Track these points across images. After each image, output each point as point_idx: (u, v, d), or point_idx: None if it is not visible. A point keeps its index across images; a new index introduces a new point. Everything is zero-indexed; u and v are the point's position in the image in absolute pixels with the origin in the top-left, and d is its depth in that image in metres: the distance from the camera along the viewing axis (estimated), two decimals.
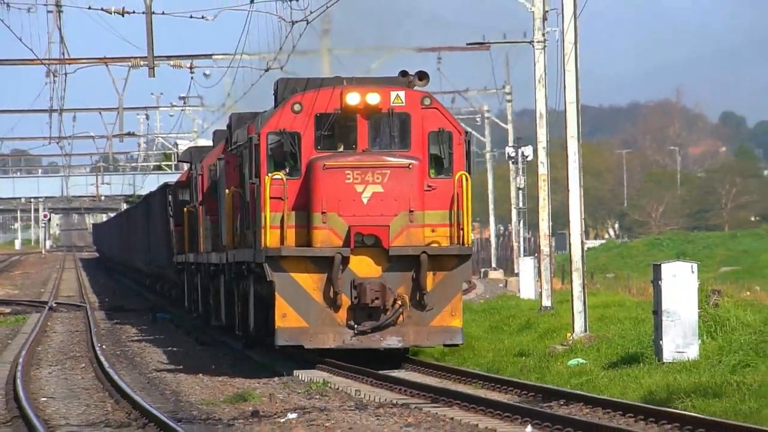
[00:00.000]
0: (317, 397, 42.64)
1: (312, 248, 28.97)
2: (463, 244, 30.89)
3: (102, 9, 61.07)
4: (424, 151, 31.72)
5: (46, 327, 72.55)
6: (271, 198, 29.91)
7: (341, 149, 30.37)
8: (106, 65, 79.11)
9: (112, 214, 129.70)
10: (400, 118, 30.89)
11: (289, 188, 29.51)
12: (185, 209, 66.00)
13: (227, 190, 46.38)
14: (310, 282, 29.02)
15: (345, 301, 29.07)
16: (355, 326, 29.38)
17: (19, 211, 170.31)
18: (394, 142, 30.50)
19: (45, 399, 42.58)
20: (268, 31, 64.07)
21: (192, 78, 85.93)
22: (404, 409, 37.57)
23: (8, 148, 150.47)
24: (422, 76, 30.82)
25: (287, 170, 30.77)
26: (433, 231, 30.26)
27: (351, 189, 29.67)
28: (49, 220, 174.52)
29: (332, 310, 29.19)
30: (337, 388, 42.68)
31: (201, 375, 52.06)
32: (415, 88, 31.04)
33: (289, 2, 57.05)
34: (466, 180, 30.20)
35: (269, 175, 30.12)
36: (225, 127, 58.87)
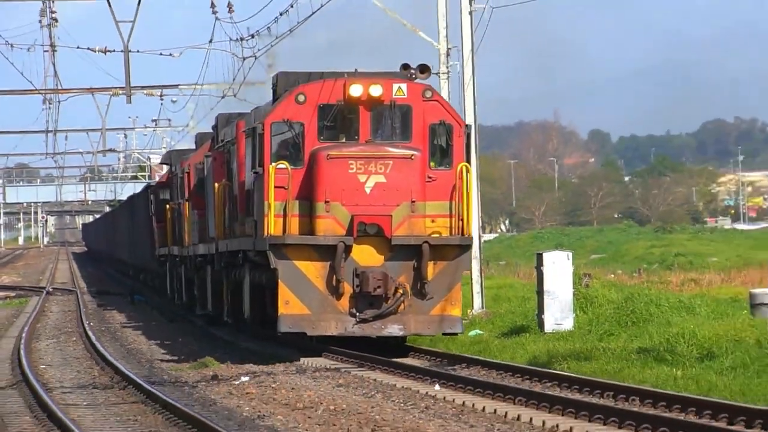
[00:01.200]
0: (265, 364, 39.32)
1: (315, 236, 26.64)
2: (463, 234, 28.18)
3: (88, 48, 61.72)
4: (425, 143, 28.54)
5: (44, 308, 70.18)
6: (275, 187, 27.06)
7: (343, 140, 27.92)
8: (92, 94, 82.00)
9: (97, 215, 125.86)
10: (402, 110, 27.89)
11: (293, 178, 26.84)
12: (167, 206, 61.20)
13: (216, 184, 41.32)
14: (313, 270, 26.44)
15: (347, 289, 26.44)
16: (357, 314, 26.71)
17: (21, 214, 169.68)
18: (396, 133, 27.69)
19: (44, 366, 41.93)
20: (224, 65, 64.07)
21: (162, 104, 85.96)
22: (336, 372, 36.56)
23: (12, 162, 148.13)
24: (424, 69, 28.26)
25: (290, 160, 27.69)
26: (433, 221, 27.61)
27: (354, 179, 26.87)
28: (46, 220, 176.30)
29: (334, 298, 26.41)
30: (282, 357, 39.84)
31: (170, 346, 50.55)
32: (416, 80, 28.29)
33: (240, 42, 57.21)
34: (467, 171, 27.58)
35: (273, 164, 27.17)
36: (194, 138, 56.66)
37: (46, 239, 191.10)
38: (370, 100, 27.19)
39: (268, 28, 57.14)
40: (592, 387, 25.89)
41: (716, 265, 70.31)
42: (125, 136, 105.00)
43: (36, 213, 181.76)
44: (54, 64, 65.69)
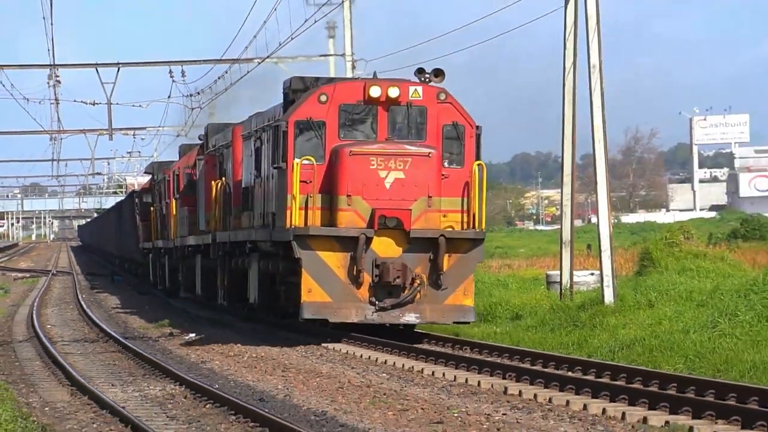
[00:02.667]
0: (213, 327, 38.22)
1: (338, 228, 22.76)
2: (474, 228, 24.21)
3: (82, 101, 64.35)
4: (438, 142, 24.08)
5: (50, 285, 69.22)
6: (300, 181, 23.03)
7: (362, 138, 23.77)
8: (84, 134, 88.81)
9: (88, 219, 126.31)
10: (418, 111, 23.60)
11: (306, 174, 22.93)
12: (151, 208, 56.01)
13: (214, 182, 35.34)
14: (335, 260, 22.37)
15: (367, 278, 22.47)
16: (377, 303, 22.62)
17: (34, 218, 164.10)
18: (411, 133, 23.40)
19: (49, 326, 41.46)
20: (178, 113, 66.37)
21: (134, 141, 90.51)
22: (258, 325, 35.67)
23: (28, 181, 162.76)
24: (438, 72, 23.94)
25: (312, 156, 23.49)
26: (445, 216, 23.62)
27: (375, 174, 22.72)
28: (52, 223, 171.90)
29: (355, 287, 22.48)
30: (231, 324, 38.23)
31: (140, 313, 48.01)
32: (431, 84, 24.16)
33: (190, 97, 59.01)
34: (481, 169, 23.72)
35: (298, 160, 23.01)
36: (175, 153, 53.46)
37: (51, 236, 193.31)
38: (388, 101, 23.37)
39: (210, 87, 57.96)
40: (446, 341, 25.08)
41: (523, 255, 68.29)
42: (108, 164, 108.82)
43: (44, 218, 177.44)
44: (57, 113, 69.05)
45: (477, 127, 23.98)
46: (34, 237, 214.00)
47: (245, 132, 32.01)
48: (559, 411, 16.21)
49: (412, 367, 21.57)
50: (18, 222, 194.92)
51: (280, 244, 24.78)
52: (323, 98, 23.08)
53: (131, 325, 40.24)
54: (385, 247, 22.50)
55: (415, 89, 23.48)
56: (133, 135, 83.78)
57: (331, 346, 26.68)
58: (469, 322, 23.81)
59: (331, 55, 50.45)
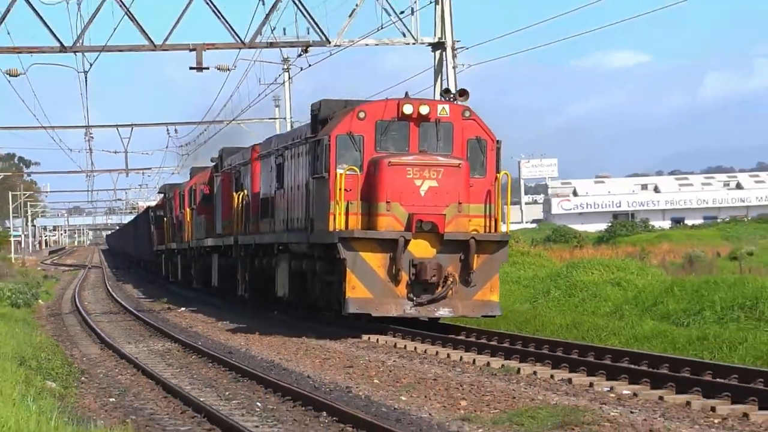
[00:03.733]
0: (200, 304, 37.20)
1: (379, 231, 19.55)
2: (496, 232, 21.07)
3: (107, 150, 69.30)
4: (463, 155, 20.93)
5: (87, 275, 70.47)
6: (342, 189, 19.72)
7: (395, 150, 20.26)
8: (110, 173, 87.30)
9: (113, 230, 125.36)
10: (445, 127, 20.20)
11: (351, 183, 19.49)
12: (165, 219, 52.27)
13: (235, 194, 31.17)
14: (376, 260, 19.14)
15: (404, 277, 19.27)
16: (414, 298, 19.34)
17: (76, 230, 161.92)
18: (440, 146, 20.05)
19: (86, 303, 40.95)
20: (173, 158, 69.28)
21: (143, 177, 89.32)
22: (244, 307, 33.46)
23: (71, 205, 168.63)
24: (462, 92, 21.21)
25: (350, 166, 19.92)
26: (471, 221, 20.36)
27: (411, 183, 19.35)
28: (88, 233, 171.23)
29: (393, 284, 19.20)
30: (215, 304, 36.46)
31: (148, 294, 48.26)
32: (456, 102, 21.53)
33: (181, 147, 61.27)
34: (507, 178, 21.02)
35: (341, 171, 19.55)
36: (189, 170, 48.79)
37: (87, 242, 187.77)
38: (419, 118, 19.97)
39: (194, 140, 58.79)
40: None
41: None
42: (126, 193, 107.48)
43: (83, 230, 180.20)
44: (91, 158, 74.14)
45: (497, 141, 21.26)
46: (76, 243, 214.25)
47: (263, 152, 29.37)
48: (437, 359, 17.19)
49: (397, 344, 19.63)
50: (65, 233, 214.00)
51: (319, 246, 22.00)
52: (361, 115, 20.02)
53: (142, 303, 42.54)
54: (420, 248, 19.44)
55: (443, 107, 20.66)
56: (143, 173, 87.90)
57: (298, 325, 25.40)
58: (495, 316, 20.79)
59: (276, 118, 52.38)
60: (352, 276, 19.30)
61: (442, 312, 20.26)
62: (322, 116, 23.02)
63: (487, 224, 21.09)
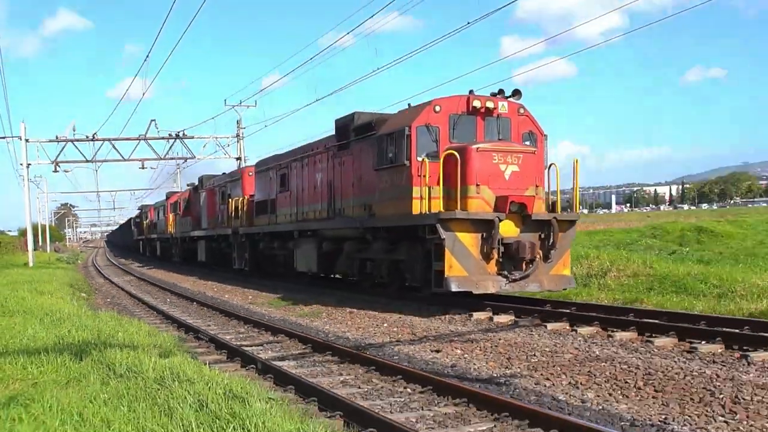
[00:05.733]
0: (159, 262, 58.79)
1: (477, 212, 18.69)
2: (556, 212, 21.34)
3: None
4: None
5: (98, 252, 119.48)
6: (424, 175, 19.16)
7: (465, 141, 19.86)
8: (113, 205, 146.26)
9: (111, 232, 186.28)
10: (505, 121, 20.24)
11: (432, 169, 19.12)
12: (144, 223, 73.49)
13: (231, 200, 37.25)
14: (470, 240, 18.36)
15: (495, 255, 18.56)
16: (508, 275, 18.95)
17: (93, 234, 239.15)
18: (500, 138, 19.94)
19: (98, 262, 69.22)
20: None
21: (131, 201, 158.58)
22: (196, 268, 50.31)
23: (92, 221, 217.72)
24: (516, 92, 20.46)
25: (429, 155, 19.55)
26: (542, 202, 20.60)
27: (497, 168, 18.97)
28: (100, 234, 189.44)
29: (485, 262, 18.63)
30: (174, 264, 53.63)
31: (128, 259, 73.97)
32: (511, 100, 21.10)
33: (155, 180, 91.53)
34: (575, 164, 20.06)
35: (424, 159, 19.13)
36: (165, 194, 64.24)
37: (100, 239, 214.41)
38: (486, 112, 19.74)
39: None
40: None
41: None
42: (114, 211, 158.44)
43: (98, 233, 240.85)
44: (99, 199, 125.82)
45: (545, 135, 21.40)
46: (93, 239, 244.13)
47: (259, 169, 34.10)
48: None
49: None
50: (90, 235, 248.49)
51: (383, 229, 21.80)
52: (437, 108, 19.65)
53: (123, 261, 71.96)
54: (506, 228, 18.70)
55: (503, 103, 20.52)
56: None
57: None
58: (570, 288, 20.50)
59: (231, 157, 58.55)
60: (450, 255, 18.37)
61: (532, 287, 19.56)
62: (357, 124, 23.56)
63: (546, 206, 21.45)
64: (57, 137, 45.89)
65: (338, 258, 26.36)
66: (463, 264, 18.61)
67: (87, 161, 46.56)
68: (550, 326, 15.93)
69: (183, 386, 8.51)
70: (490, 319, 17.97)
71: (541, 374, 11.11)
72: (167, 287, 29.29)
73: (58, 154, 45.99)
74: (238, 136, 49.21)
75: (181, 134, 46.42)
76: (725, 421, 8.36)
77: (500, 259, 18.91)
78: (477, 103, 20.37)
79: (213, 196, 41.76)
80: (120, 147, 43.74)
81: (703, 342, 12.91)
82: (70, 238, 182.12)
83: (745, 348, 12.29)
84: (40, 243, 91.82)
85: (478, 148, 19.36)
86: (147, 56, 32.74)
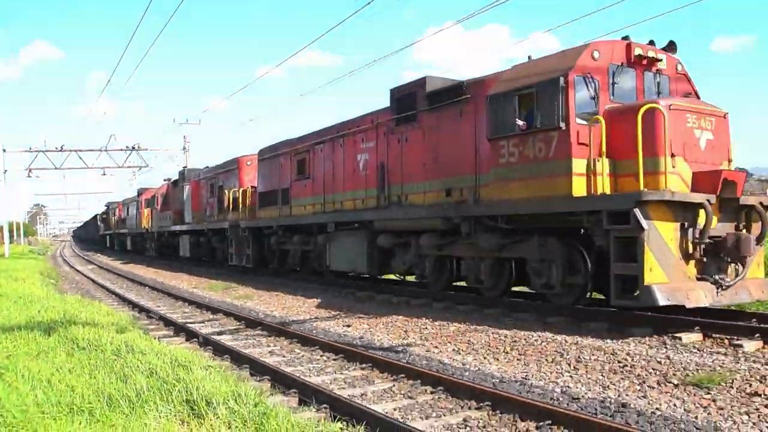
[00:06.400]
0: (132, 255, 52.28)
1: (687, 194, 10.46)
2: None
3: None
4: None
5: (65, 246, 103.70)
6: (580, 144, 11.37)
7: (625, 100, 12.25)
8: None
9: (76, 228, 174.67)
10: (664, 79, 12.31)
11: (596, 134, 11.20)
12: (113, 218, 64.97)
13: (227, 191, 28.53)
14: (669, 232, 10.03)
15: (696, 253, 10.40)
16: (719, 281, 10.71)
17: (61, 230, 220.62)
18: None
19: (66, 253, 66.45)
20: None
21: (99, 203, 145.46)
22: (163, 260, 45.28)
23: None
24: (671, 45, 12.65)
25: (587, 117, 11.56)
26: None
27: (691, 134, 10.83)
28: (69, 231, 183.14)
29: (684, 262, 10.32)
30: (138, 259, 48.09)
31: (94, 252, 66.00)
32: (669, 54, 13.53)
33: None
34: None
35: (577, 120, 11.40)
36: (137, 190, 54.08)
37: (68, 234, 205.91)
38: (648, 64, 12.29)
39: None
40: None
41: None
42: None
43: (65, 229, 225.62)
44: (66, 199, 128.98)
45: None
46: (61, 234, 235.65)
47: (266, 156, 24.87)
48: None
49: None
50: (59, 230, 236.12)
51: (496, 219, 13.85)
52: (596, 54, 12.20)
53: (87, 252, 69.05)
54: (704, 215, 11.67)
55: (662, 57, 13.07)
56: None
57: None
58: None
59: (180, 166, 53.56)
60: (650, 255, 10.81)
61: (742, 296, 11.70)
62: (432, 90, 15.90)
63: None
64: (30, 148, 45.14)
65: (398, 255, 18.18)
66: (663, 265, 11.08)
67: (56, 168, 45.75)
68: (438, 305, 14.59)
69: (136, 357, 8.48)
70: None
71: (431, 343, 11.11)
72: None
73: (31, 162, 44.82)
74: (184, 148, 48.69)
75: (136, 147, 46.29)
76: (570, 376, 8.62)
77: (704, 259, 11.43)
78: (639, 52, 13.17)
79: (199, 189, 34.05)
80: (85, 157, 43.49)
81: (553, 317, 12.65)
82: (41, 234, 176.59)
83: (582, 318, 12.16)
84: (15, 237, 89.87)
85: (671, 106, 11.78)
86: (108, 80, 40.45)
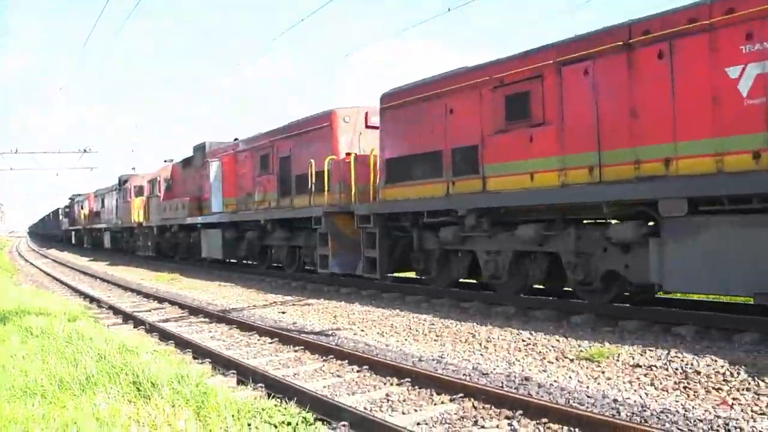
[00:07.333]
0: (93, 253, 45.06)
1: None
2: None
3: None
4: None
5: (21, 242, 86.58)
6: None
7: None
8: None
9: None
10: None
11: None
12: (81, 210, 51.91)
13: (312, 161, 16.03)
14: None
15: None
16: None
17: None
18: None
19: (21, 249, 59.94)
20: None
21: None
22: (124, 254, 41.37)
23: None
24: None
25: None
26: None
27: None
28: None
29: None
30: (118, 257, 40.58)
31: (52, 248, 58.04)
32: None
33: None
34: None
35: None
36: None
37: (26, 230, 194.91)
38: None
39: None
40: None
41: None
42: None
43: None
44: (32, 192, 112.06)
45: None
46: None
47: (398, 102, 13.38)
48: None
49: None
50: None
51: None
52: None
53: (44, 248, 61.29)
54: None
55: None
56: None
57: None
58: None
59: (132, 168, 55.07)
60: None
61: None
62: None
63: None
64: None
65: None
66: None
67: (11, 169, 44.11)
68: (365, 292, 14.59)
69: (86, 343, 8.34)
70: None
71: (358, 327, 11.14)
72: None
73: None
74: (132, 151, 52.26)
75: (87, 149, 42.71)
76: (481, 354, 8.74)
77: None
78: None
79: (235, 166, 22.40)
80: (39, 159, 45.38)
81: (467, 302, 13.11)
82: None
83: (491, 303, 12.33)
84: None
85: None
86: (60, 87, 42.06)
